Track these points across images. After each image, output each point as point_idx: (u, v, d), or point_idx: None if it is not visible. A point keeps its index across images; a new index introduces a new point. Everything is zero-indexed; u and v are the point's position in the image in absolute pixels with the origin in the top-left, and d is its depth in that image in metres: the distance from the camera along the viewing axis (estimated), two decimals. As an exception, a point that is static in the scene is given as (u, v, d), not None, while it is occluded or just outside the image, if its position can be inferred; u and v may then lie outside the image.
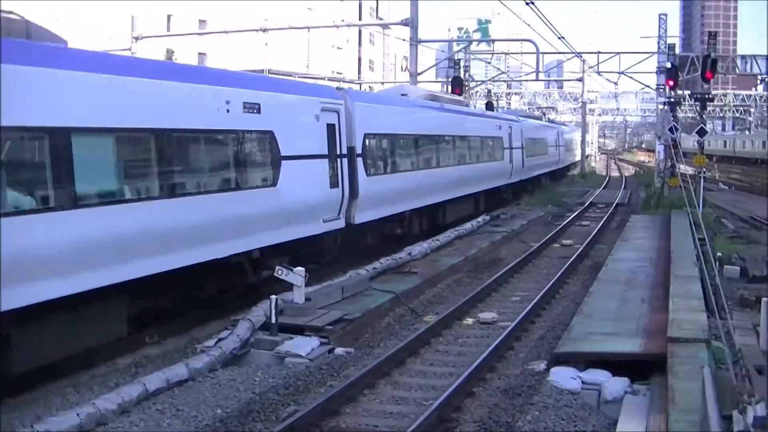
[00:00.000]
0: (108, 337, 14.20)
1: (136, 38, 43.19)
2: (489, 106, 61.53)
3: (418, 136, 29.26)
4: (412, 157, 28.65)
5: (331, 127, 21.35)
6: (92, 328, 13.50)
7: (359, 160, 23.08)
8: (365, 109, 24.20)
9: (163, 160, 14.74)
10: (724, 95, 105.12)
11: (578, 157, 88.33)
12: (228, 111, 16.83)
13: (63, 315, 12.69)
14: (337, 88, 26.10)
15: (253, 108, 17.77)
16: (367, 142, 23.87)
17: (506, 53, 74.64)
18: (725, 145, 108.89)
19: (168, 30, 59.22)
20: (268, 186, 18.32)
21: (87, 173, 12.91)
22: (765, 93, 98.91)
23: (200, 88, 16.42)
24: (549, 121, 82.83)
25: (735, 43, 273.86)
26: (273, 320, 15.10)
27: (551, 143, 64.19)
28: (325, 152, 21.01)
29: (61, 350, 13.02)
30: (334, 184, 21.33)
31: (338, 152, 21.67)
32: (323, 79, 48.17)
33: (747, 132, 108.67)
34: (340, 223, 21.76)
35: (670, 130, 40.57)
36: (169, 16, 64.90)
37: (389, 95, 31.17)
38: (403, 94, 31.14)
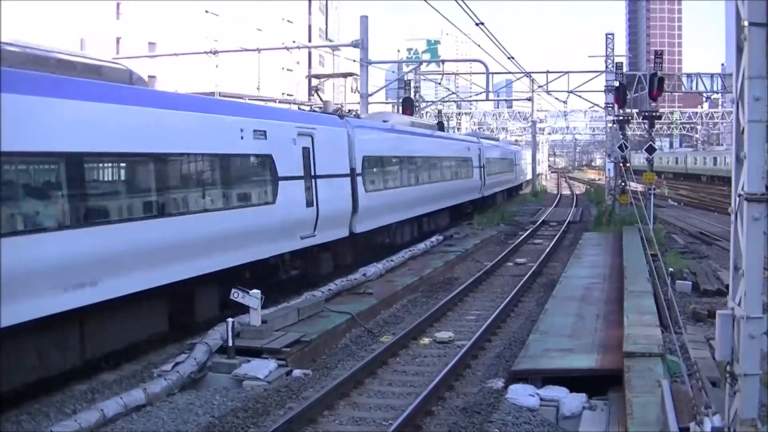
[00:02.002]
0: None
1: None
2: (440, 126, 61.98)
3: (498, 159, 60.26)
4: (495, 167, 57.72)
5: (478, 155, 48.34)
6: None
7: (484, 169, 50.06)
8: (487, 146, 54.19)
9: (442, 170, 38.72)
10: (671, 113, 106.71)
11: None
12: (467, 149, 45.89)
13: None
14: (478, 137, 54.32)
15: (468, 148, 46.16)
16: (485, 160, 51.17)
17: (456, 73, 74.70)
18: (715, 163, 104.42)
19: (117, 53, 58.65)
20: (471, 178, 45.66)
21: (407, 174, 32.82)
22: (710, 110, 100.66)
23: (455, 142, 45.76)
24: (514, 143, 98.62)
25: (680, 61, 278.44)
26: (230, 343, 15.01)
27: (528, 161, 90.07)
28: (478, 165, 47.83)
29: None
30: (478, 179, 47.82)
31: (479, 165, 48.61)
32: (274, 101, 48.00)
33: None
34: (480, 195, 48.88)
35: (620, 147, 41.05)
36: (118, 39, 64.51)
37: (487, 138, 64.99)
38: (481, 137, 57.81)
